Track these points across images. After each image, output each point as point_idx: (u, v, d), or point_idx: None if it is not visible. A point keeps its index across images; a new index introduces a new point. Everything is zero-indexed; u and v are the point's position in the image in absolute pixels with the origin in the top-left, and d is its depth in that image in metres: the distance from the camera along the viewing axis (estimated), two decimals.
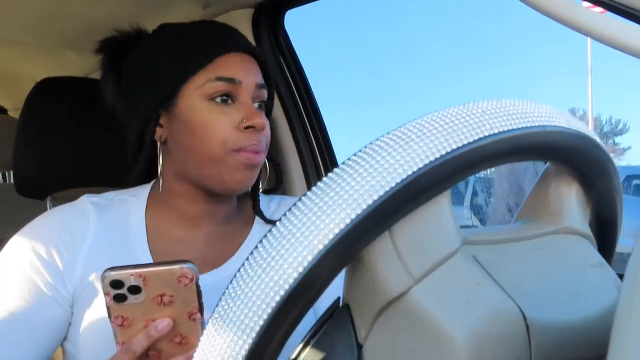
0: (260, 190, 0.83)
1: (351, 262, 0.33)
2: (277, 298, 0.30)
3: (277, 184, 0.85)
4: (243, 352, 0.31)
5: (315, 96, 1.23)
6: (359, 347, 0.33)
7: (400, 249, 0.32)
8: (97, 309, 0.71)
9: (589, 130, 0.38)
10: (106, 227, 0.75)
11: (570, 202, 0.39)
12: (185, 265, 0.55)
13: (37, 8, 1.11)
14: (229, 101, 0.73)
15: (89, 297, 0.72)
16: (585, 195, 0.40)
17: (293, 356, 0.34)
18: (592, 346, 0.34)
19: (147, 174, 0.80)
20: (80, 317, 0.72)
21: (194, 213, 0.77)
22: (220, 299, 0.33)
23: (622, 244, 0.45)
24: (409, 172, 0.31)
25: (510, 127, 0.33)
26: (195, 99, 0.72)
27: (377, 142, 0.32)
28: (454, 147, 0.31)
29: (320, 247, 0.30)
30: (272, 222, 0.80)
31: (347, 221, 0.30)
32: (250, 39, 1.13)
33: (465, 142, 0.32)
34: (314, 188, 0.32)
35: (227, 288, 0.33)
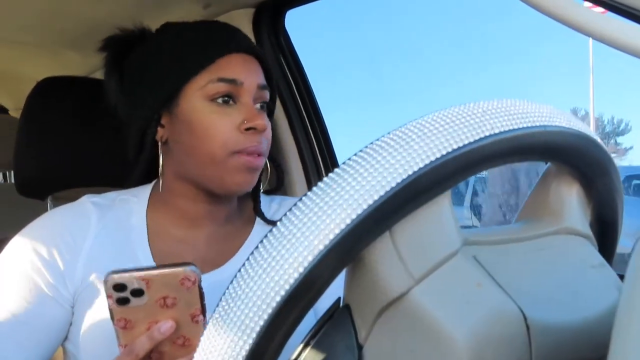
0: (261, 190, 0.83)
1: (352, 263, 0.33)
2: (278, 298, 0.30)
3: (278, 185, 0.85)
4: (243, 353, 0.31)
5: (316, 96, 1.23)
6: (360, 347, 0.33)
7: (401, 250, 0.32)
8: (97, 309, 0.71)
9: (589, 130, 0.38)
10: (107, 227, 0.75)
11: (571, 202, 0.39)
12: (187, 268, 0.55)
13: (37, 8, 1.11)
14: (231, 102, 0.73)
15: (90, 297, 0.72)
16: (586, 195, 0.40)
17: (293, 356, 0.34)
18: (593, 347, 0.34)
19: (148, 174, 0.80)
20: (81, 317, 0.72)
21: (194, 213, 0.77)
22: (221, 299, 0.33)
23: (622, 244, 0.45)
24: (410, 172, 0.31)
25: (511, 127, 0.33)
26: (197, 99, 0.72)
27: (377, 142, 0.32)
28: (455, 147, 0.31)
29: (321, 247, 0.30)
30: (273, 223, 0.80)
31: (348, 221, 0.30)
32: (251, 38, 1.13)
33: (466, 142, 0.32)
34: (314, 188, 0.32)
35: (228, 288, 0.33)
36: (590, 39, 0.46)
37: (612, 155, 0.39)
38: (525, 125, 0.34)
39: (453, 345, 0.30)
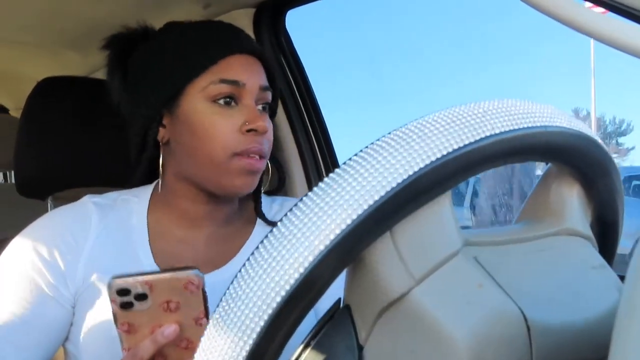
0: (262, 191, 0.83)
1: (352, 263, 0.33)
2: (278, 299, 0.30)
3: (280, 186, 0.84)
4: (244, 353, 0.31)
5: (316, 96, 1.23)
6: (360, 348, 0.33)
7: (402, 250, 0.32)
8: (98, 310, 0.71)
9: (590, 130, 0.38)
10: (108, 227, 0.75)
11: (572, 203, 0.39)
12: (191, 272, 0.55)
13: (37, 8, 1.11)
14: (232, 103, 0.73)
15: (91, 298, 0.72)
16: (587, 196, 0.40)
17: (294, 357, 0.34)
18: (593, 348, 0.34)
19: (150, 174, 0.80)
20: (81, 317, 0.72)
21: (194, 214, 0.77)
22: (221, 299, 0.33)
23: (622, 245, 0.45)
24: (410, 173, 0.31)
25: (511, 128, 0.33)
26: (198, 100, 0.72)
27: (378, 142, 0.32)
28: (455, 147, 0.31)
29: (321, 247, 0.30)
30: (274, 224, 0.80)
31: (348, 221, 0.30)
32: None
33: (467, 142, 0.32)
34: (315, 188, 0.32)
35: (228, 288, 0.33)
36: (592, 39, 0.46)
37: (614, 155, 0.39)
38: (526, 126, 0.34)
39: (453, 345, 0.30)
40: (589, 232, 0.40)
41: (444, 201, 0.33)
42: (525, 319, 0.32)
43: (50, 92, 0.98)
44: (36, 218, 0.77)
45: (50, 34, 1.26)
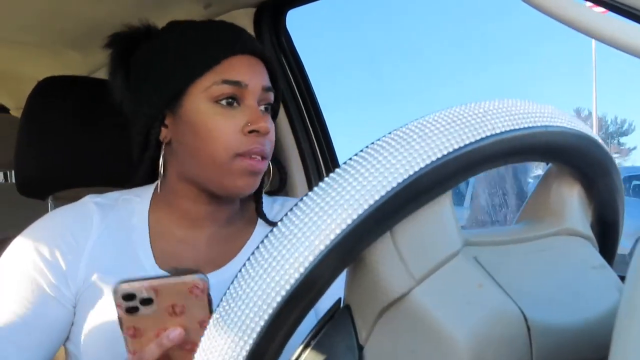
0: (264, 191, 0.83)
1: (352, 263, 0.33)
2: (278, 299, 0.30)
3: (281, 186, 0.84)
4: (244, 353, 0.31)
5: (317, 96, 1.23)
6: (360, 348, 0.33)
7: (402, 250, 0.32)
8: (99, 309, 0.71)
9: (590, 130, 0.38)
10: (109, 227, 0.75)
11: (572, 203, 0.39)
12: (196, 277, 0.55)
13: (37, 8, 1.11)
14: (235, 104, 0.73)
15: (92, 297, 0.72)
16: (587, 196, 0.40)
17: (294, 357, 0.34)
18: (594, 348, 0.34)
19: (152, 174, 0.80)
20: (82, 317, 0.72)
21: (196, 214, 0.77)
22: (222, 299, 0.33)
23: (622, 245, 0.45)
24: (411, 172, 0.31)
25: (512, 128, 0.33)
26: (201, 101, 0.72)
27: (378, 142, 0.32)
28: (456, 147, 0.31)
29: (322, 247, 0.30)
30: (275, 224, 0.80)
31: (349, 221, 0.30)
32: None
33: (467, 142, 0.32)
34: (315, 188, 0.32)
35: (229, 288, 0.33)
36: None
37: (615, 155, 0.39)
38: (526, 126, 0.34)
39: (454, 345, 0.30)
40: (589, 232, 0.40)
41: (445, 201, 0.33)
42: (526, 319, 0.32)
43: (50, 91, 0.98)
44: (36, 218, 0.77)
45: (50, 34, 1.26)
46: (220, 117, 0.71)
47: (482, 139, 0.32)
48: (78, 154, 0.96)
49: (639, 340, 0.25)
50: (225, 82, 0.72)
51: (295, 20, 1.25)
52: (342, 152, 1.23)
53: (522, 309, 0.32)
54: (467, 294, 0.32)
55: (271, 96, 0.76)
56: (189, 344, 0.58)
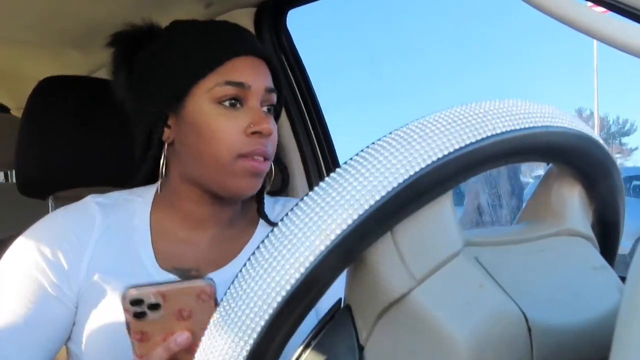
0: (265, 192, 0.83)
1: (353, 263, 0.33)
2: (279, 299, 0.30)
3: (283, 187, 0.85)
4: (244, 353, 0.31)
5: (317, 96, 1.23)
6: (360, 348, 0.33)
7: (402, 250, 0.32)
8: (101, 309, 0.71)
9: (591, 130, 0.38)
10: (111, 227, 0.76)
11: (573, 203, 0.39)
12: (204, 282, 0.56)
13: (37, 8, 1.11)
14: (238, 105, 0.73)
15: (93, 297, 0.72)
16: (588, 196, 0.40)
17: (294, 357, 0.34)
18: (595, 348, 0.34)
19: (153, 174, 0.80)
20: (84, 316, 0.72)
21: (198, 215, 0.77)
22: (222, 299, 0.33)
23: (621, 245, 0.45)
24: (411, 173, 0.31)
25: (512, 128, 0.33)
26: (204, 102, 0.72)
27: (379, 142, 0.32)
28: (456, 147, 0.31)
29: (322, 247, 0.30)
30: (276, 224, 0.80)
31: (349, 222, 0.30)
32: None
33: (468, 142, 0.32)
34: (315, 188, 0.32)
35: (229, 288, 0.33)
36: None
37: (617, 155, 0.39)
38: (527, 126, 0.33)
39: (454, 346, 0.30)
40: (590, 232, 0.40)
41: (445, 201, 0.33)
42: (526, 320, 0.32)
43: (51, 91, 0.98)
44: (37, 218, 0.77)
45: (51, 34, 1.26)
46: (223, 118, 0.71)
47: (482, 139, 0.32)
48: (79, 154, 0.96)
49: None
50: (229, 83, 0.72)
51: (296, 20, 1.25)
52: (342, 152, 1.23)
53: (522, 310, 0.32)
54: (467, 294, 0.32)
55: (274, 97, 0.76)
56: (196, 347, 0.59)
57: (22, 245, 0.73)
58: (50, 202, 1.03)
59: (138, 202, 0.78)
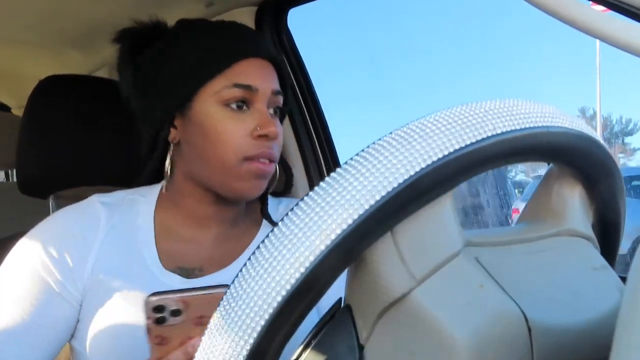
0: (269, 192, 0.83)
1: (353, 263, 0.33)
2: (279, 298, 0.30)
3: (287, 188, 0.85)
4: (244, 352, 0.31)
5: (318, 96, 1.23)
6: (361, 348, 0.33)
7: (403, 250, 0.32)
8: (105, 310, 0.71)
9: (592, 130, 0.38)
10: (116, 227, 0.76)
11: (573, 204, 0.39)
12: (226, 290, 0.56)
13: (37, 8, 1.11)
14: (244, 108, 0.73)
15: (98, 297, 0.72)
16: (589, 197, 0.40)
17: (294, 357, 0.34)
18: (595, 349, 0.34)
19: (157, 174, 0.80)
20: (88, 315, 0.72)
21: (202, 214, 0.77)
22: (223, 298, 0.33)
23: (621, 245, 0.45)
24: (412, 173, 0.31)
25: (513, 128, 0.33)
26: (211, 104, 0.72)
27: (379, 142, 0.32)
28: (457, 147, 0.31)
29: (322, 247, 0.30)
30: None
31: (349, 221, 0.30)
32: None
33: (468, 142, 0.32)
34: (316, 188, 0.32)
35: (229, 288, 0.33)
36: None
37: (620, 155, 0.39)
38: (527, 126, 0.33)
39: (454, 346, 0.30)
40: (590, 232, 0.39)
41: (445, 201, 0.33)
42: (526, 320, 0.32)
43: (52, 90, 0.98)
44: (38, 217, 0.77)
45: (51, 33, 1.26)
46: (230, 120, 0.71)
47: (483, 139, 0.32)
48: (79, 153, 0.97)
49: None
50: (236, 85, 0.72)
51: (297, 19, 1.25)
52: (343, 152, 1.23)
53: (523, 310, 0.32)
54: (467, 294, 0.32)
55: (280, 100, 0.76)
56: None
57: (27, 245, 0.73)
58: (50, 201, 1.03)
59: (142, 201, 0.79)
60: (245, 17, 1.13)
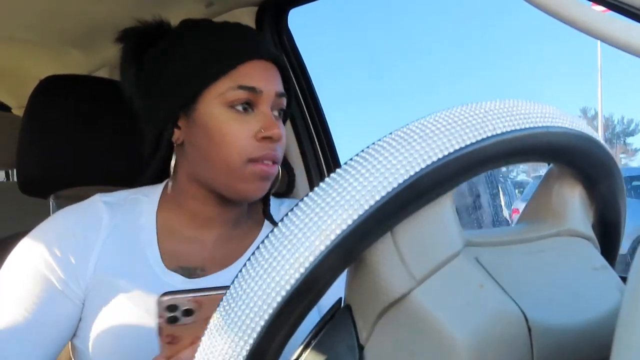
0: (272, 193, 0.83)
1: (353, 263, 0.33)
2: (279, 299, 0.30)
3: (289, 189, 0.85)
4: (244, 353, 0.31)
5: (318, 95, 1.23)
6: (360, 348, 0.33)
7: (402, 250, 0.32)
8: (108, 310, 0.72)
9: (592, 131, 0.38)
10: (118, 227, 0.76)
11: (574, 204, 0.39)
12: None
13: (37, 8, 1.11)
14: (249, 109, 0.73)
15: (100, 296, 0.72)
16: (589, 197, 0.40)
17: (294, 357, 0.34)
18: (595, 349, 0.34)
19: (160, 174, 0.80)
20: (90, 314, 0.72)
21: (205, 215, 0.77)
22: (223, 299, 0.33)
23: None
24: (412, 173, 0.31)
25: (513, 128, 0.33)
26: (215, 106, 0.72)
27: (379, 142, 0.32)
28: (457, 147, 0.31)
29: (322, 247, 0.30)
30: None
31: (349, 222, 0.30)
32: None
33: (468, 142, 0.32)
34: (316, 189, 0.32)
35: (229, 288, 0.33)
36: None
37: (622, 155, 0.39)
38: (527, 126, 0.33)
39: (454, 346, 0.30)
40: (590, 232, 0.39)
41: (445, 202, 0.33)
42: (526, 320, 0.32)
43: (52, 90, 0.98)
44: (38, 216, 0.77)
45: (51, 33, 1.26)
46: (235, 122, 0.72)
47: (483, 139, 0.32)
48: (80, 153, 0.97)
49: None
50: (241, 87, 0.72)
51: (297, 19, 1.25)
52: (343, 152, 1.23)
53: (523, 310, 0.32)
54: (467, 294, 0.32)
55: (284, 101, 0.76)
56: None
57: (30, 244, 0.73)
58: (51, 201, 1.03)
59: (145, 201, 0.79)
60: (246, 17, 1.13)
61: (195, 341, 0.57)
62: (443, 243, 0.33)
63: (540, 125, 0.34)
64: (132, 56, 0.78)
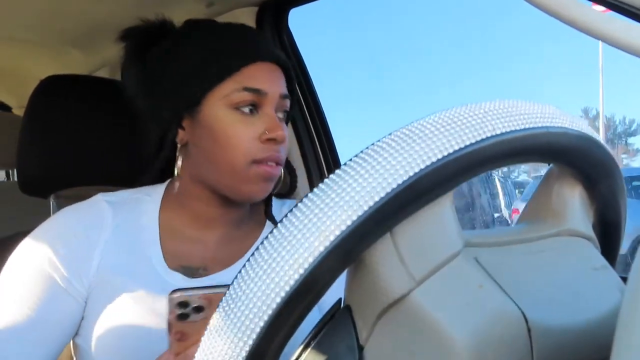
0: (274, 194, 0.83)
1: (352, 264, 0.33)
2: (278, 299, 0.30)
3: (291, 190, 0.85)
4: (243, 353, 0.31)
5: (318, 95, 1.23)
6: (360, 348, 0.33)
7: (402, 251, 0.32)
8: (110, 309, 0.72)
9: (592, 131, 0.38)
10: (120, 226, 0.76)
11: (574, 204, 0.39)
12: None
13: (37, 8, 1.11)
14: (253, 111, 0.73)
15: (103, 295, 0.72)
16: (589, 197, 0.40)
17: (294, 357, 0.34)
18: (595, 349, 0.34)
19: (162, 173, 0.80)
20: (92, 313, 0.73)
21: (207, 216, 0.77)
22: (222, 299, 0.33)
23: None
24: (411, 174, 0.30)
25: (512, 128, 0.33)
26: (220, 107, 0.72)
27: (379, 143, 0.32)
28: (456, 148, 0.31)
29: (321, 248, 0.30)
30: None
31: (349, 222, 0.30)
32: None
33: (468, 143, 0.32)
34: (315, 189, 0.32)
35: (229, 289, 0.33)
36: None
37: (623, 156, 0.39)
38: (527, 126, 0.33)
39: (453, 346, 0.30)
40: (590, 232, 0.39)
41: (445, 202, 0.33)
42: (526, 320, 0.32)
43: (53, 90, 0.98)
44: (39, 216, 0.77)
45: (51, 33, 1.26)
46: (240, 124, 0.72)
47: (482, 139, 0.32)
48: (80, 153, 0.97)
49: None
50: (246, 89, 0.72)
51: (298, 19, 1.25)
52: (343, 152, 1.23)
53: (522, 310, 0.32)
54: (467, 294, 0.32)
55: (288, 103, 0.77)
56: None
57: (32, 243, 0.73)
58: (51, 201, 1.03)
59: (147, 201, 0.79)
60: (246, 17, 1.13)
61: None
62: (442, 243, 0.33)
63: (540, 125, 0.34)
64: (134, 55, 0.78)
